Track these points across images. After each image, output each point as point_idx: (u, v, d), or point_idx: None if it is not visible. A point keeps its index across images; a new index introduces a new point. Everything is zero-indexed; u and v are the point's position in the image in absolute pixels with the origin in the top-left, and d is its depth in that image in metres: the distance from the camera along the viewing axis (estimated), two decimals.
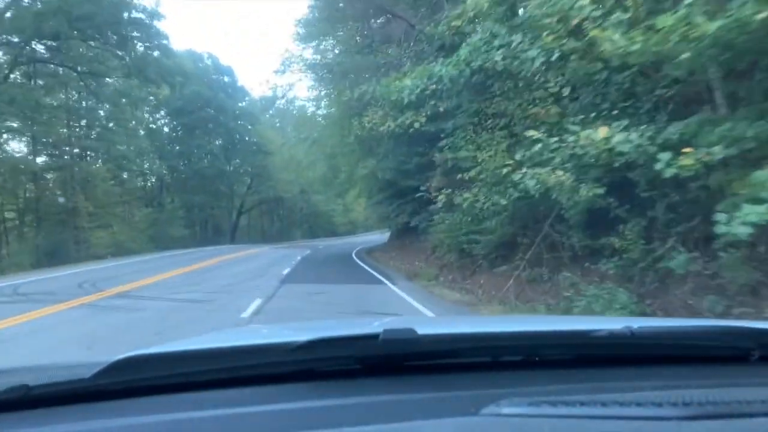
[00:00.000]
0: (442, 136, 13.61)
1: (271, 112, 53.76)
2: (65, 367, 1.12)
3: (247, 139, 49.02)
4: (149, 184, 41.61)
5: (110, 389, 1.03)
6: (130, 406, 1.00)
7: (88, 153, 32.34)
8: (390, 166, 18.44)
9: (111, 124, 33.04)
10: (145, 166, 41.50)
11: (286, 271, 16.72)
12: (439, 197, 11.17)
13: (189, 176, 43.32)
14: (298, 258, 23.87)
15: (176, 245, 36.17)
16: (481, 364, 1.20)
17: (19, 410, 0.98)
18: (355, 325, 1.79)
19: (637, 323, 1.22)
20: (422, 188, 14.44)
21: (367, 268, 18.78)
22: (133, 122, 37.84)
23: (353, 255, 26.91)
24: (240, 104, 49.31)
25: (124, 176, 36.54)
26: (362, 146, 22.59)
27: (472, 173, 10.78)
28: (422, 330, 1.10)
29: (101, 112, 33.38)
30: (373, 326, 1.30)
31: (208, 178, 43.91)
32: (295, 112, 31.87)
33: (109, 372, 1.02)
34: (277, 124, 49.38)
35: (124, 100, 32.08)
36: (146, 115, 42.08)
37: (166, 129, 45.01)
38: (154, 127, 43.47)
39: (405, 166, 17.93)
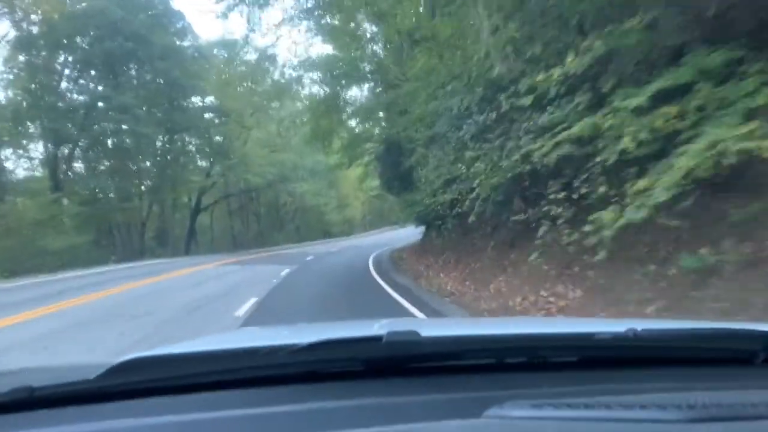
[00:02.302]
0: None
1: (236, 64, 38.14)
2: (69, 369, 1.12)
3: (194, 99, 33.34)
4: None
5: (114, 391, 1.03)
6: (134, 408, 1.00)
7: None
8: None
9: None
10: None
11: None
12: None
13: (95, 153, 27.70)
14: (248, 305, 8.66)
15: (76, 263, 20.93)
16: (484, 366, 1.17)
17: (23, 411, 0.98)
18: (358, 327, 1.74)
19: (641, 325, 1.19)
20: None
21: None
22: None
23: (380, 282, 11.94)
24: (183, 44, 33.04)
25: None
26: None
27: None
28: (426, 332, 1.10)
29: None
30: (377, 328, 1.36)
31: (127, 153, 28.27)
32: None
33: (114, 373, 1.02)
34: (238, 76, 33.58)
35: None
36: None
37: (63, 83, 28.84)
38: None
39: None
